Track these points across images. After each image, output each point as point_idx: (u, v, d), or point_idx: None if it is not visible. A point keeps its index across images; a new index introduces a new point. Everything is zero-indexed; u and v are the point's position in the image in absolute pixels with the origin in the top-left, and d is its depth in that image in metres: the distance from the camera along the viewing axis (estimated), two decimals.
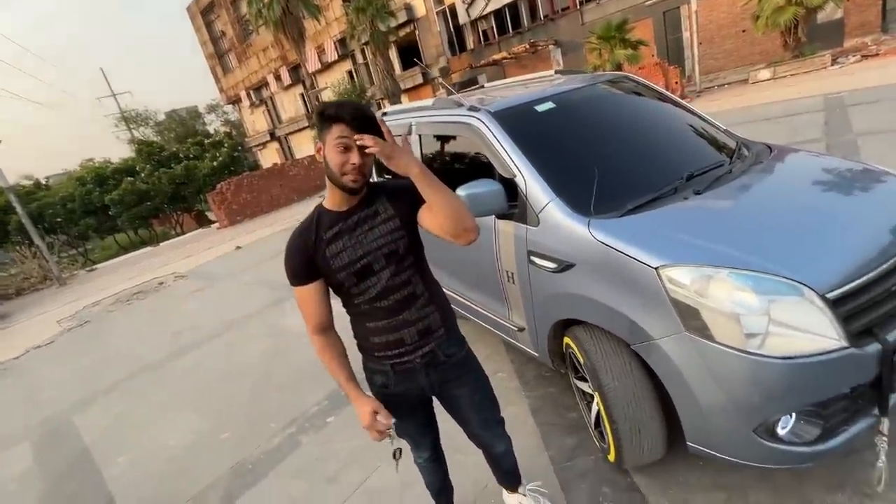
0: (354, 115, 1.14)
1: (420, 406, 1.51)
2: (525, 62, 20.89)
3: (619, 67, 14.75)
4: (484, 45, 22.01)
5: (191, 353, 4.54)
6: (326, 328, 1.32)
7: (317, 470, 2.39)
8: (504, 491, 1.83)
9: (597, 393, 1.72)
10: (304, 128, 30.01)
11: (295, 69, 26.91)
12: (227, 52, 32.83)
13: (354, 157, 1.15)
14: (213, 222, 17.44)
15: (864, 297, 1.36)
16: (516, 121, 2.11)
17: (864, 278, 1.35)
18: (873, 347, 1.31)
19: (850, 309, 1.33)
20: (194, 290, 7.34)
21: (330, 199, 1.27)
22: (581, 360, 1.78)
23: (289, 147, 32.74)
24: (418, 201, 1.24)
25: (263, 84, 31.05)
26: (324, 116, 1.17)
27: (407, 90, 24.35)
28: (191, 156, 21.24)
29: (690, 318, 1.40)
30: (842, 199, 1.78)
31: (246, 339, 4.50)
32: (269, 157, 33.98)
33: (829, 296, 1.31)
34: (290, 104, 31.03)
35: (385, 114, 3.50)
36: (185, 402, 3.54)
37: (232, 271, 7.88)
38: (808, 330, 1.30)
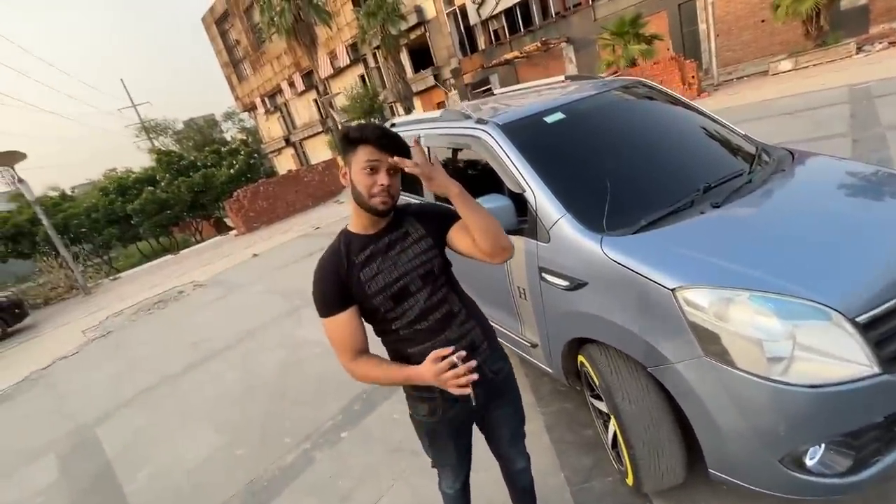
0: (380, 137, 1.13)
1: (464, 431, 1.44)
2: (537, 61, 20.71)
3: (633, 63, 14.50)
4: (495, 45, 21.89)
5: (208, 364, 4.60)
6: (363, 353, 1.23)
7: (330, 488, 2.38)
8: None
9: (612, 415, 1.66)
10: (318, 133, 30.34)
11: (308, 75, 27.22)
12: (242, 60, 33.42)
13: (383, 178, 1.14)
14: (231, 229, 17.74)
15: None
16: (525, 133, 2.06)
17: None
18: None
19: (882, 332, 1.25)
20: (212, 299, 7.46)
21: (356, 222, 1.25)
22: (596, 380, 1.73)
23: (303, 152, 33.15)
24: (447, 222, 1.26)
25: (278, 91, 31.52)
26: (348, 140, 1.16)
27: (419, 93, 24.40)
28: (208, 164, 21.65)
29: (709, 342, 1.34)
30: (869, 210, 1.68)
31: (261, 350, 4.54)
32: (284, 163, 34.48)
33: (858, 319, 1.23)
34: (304, 110, 31.43)
35: (393, 125, 3.48)
36: (201, 416, 3.59)
37: (249, 279, 7.98)
38: (836, 356, 1.23)
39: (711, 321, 1.33)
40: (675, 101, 2.45)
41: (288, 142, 33.81)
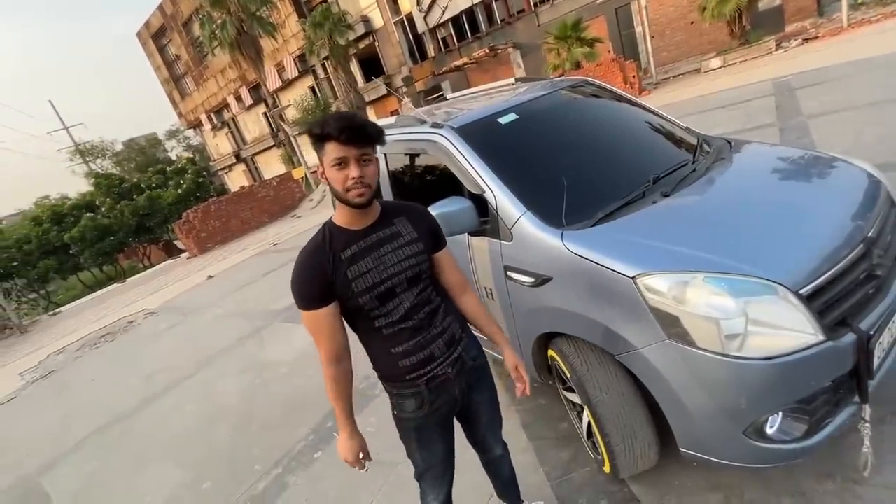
0: (342, 129, 1.09)
1: (448, 424, 1.43)
2: (487, 66, 21.12)
3: (577, 66, 15.06)
4: (445, 52, 22.17)
5: (165, 397, 4.32)
6: (342, 356, 1.24)
7: None
8: None
9: (586, 405, 1.69)
10: (270, 147, 29.55)
11: (255, 88, 26.50)
12: (184, 75, 32.10)
13: (354, 171, 1.11)
14: (183, 252, 16.89)
15: (836, 289, 1.37)
16: (480, 135, 2.08)
17: (834, 270, 1.37)
18: (849, 338, 1.33)
19: (823, 302, 1.34)
20: (166, 327, 7.05)
21: (340, 216, 1.22)
22: (567, 373, 1.75)
23: (256, 167, 32.16)
24: (439, 243, 1.33)
25: (224, 106, 30.45)
26: (314, 137, 1.13)
27: (372, 102, 24.27)
28: (153, 185, 20.58)
29: (671, 325, 1.39)
30: (802, 190, 1.81)
31: (223, 376, 4.33)
32: (236, 179, 33.28)
33: (802, 292, 1.31)
34: (254, 124, 30.54)
35: None
36: (161, 453, 3.36)
37: (205, 303, 7.61)
38: (786, 328, 1.30)
39: (671, 305, 1.38)
40: (620, 98, 2.55)
41: (239, 157, 32.69)
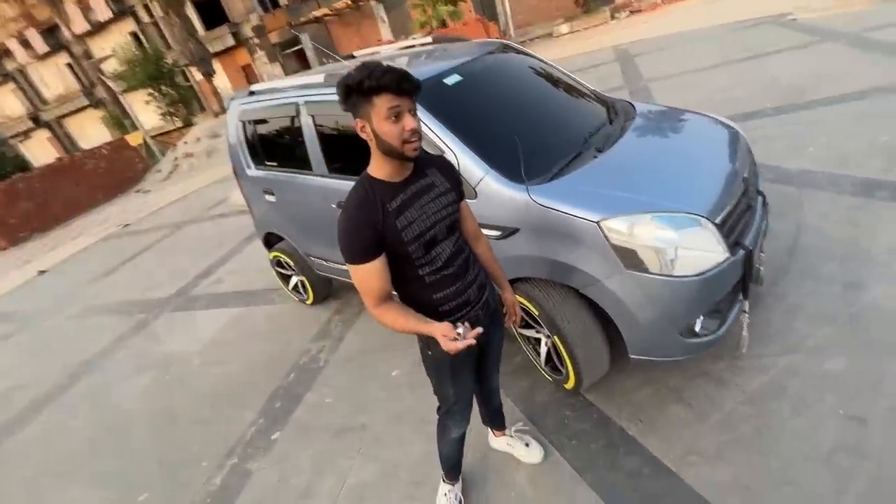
0: (399, 82, 1.08)
1: (474, 360, 1.56)
2: (349, 20, 19.94)
3: (444, 24, 15.16)
4: (301, 1, 20.18)
5: (34, 417, 3.57)
6: (389, 297, 1.26)
7: (283, 491, 2.23)
8: (490, 434, 2.04)
9: (555, 336, 1.96)
10: (85, 107, 24.05)
11: (51, 31, 20.94)
12: None
13: (410, 123, 1.11)
14: None
15: (732, 218, 1.82)
16: (431, 96, 2.11)
17: (731, 204, 1.82)
18: (740, 253, 1.79)
19: (726, 228, 1.78)
20: None
21: (379, 169, 1.22)
22: (536, 313, 2.00)
23: (66, 134, 26.00)
24: (462, 193, 1.39)
25: (3, 53, 23.51)
26: (362, 91, 1.08)
27: (218, 54, 21.20)
28: None
29: (629, 258, 1.70)
30: (696, 142, 2.27)
31: (114, 380, 3.72)
32: (38, 149, 26.47)
33: (716, 221, 1.72)
34: (55, 78, 24.37)
35: (252, 93, 3.08)
36: (60, 477, 2.84)
37: (47, 304, 6.21)
38: (707, 249, 1.71)
39: (629, 241, 1.68)
40: (541, 62, 2.78)
41: (38, 122, 25.94)
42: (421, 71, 2.29)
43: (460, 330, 1.15)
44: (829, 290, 2.31)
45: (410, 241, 1.22)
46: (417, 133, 1.14)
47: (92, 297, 5.88)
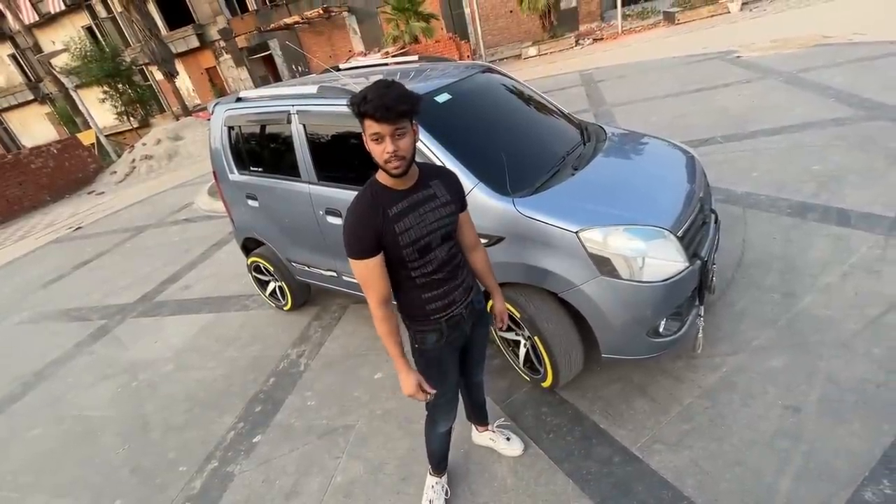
0: (376, 108, 1.17)
1: (457, 357, 1.69)
2: (321, 29, 19.93)
3: (416, 40, 15.48)
4: (271, 7, 20.02)
5: None
6: (389, 299, 1.40)
7: (268, 492, 2.25)
8: (474, 430, 2.17)
9: (535, 337, 2.13)
10: (29, 101, 22.60)
11: None
12: None
13: (388, 147, 1.22)
14: None
15: (690, 232, 2.07)
16: (424, 113, 2.23)
17: (690, 219, 2.06)
18: (698, 263, 2.03)
19: (686, 241, 2.02)
20: None
21: (384, 177, 1.34)
22: (518, 315, 2.16)
23: (6, 129, 24.28)
24: (463, 205, 1.52)
25: None
26: (355, 112, 1.22)
27: (181, 54, 20.58)
28: None
29: (603, 265, 1.90)
30: (660, 164, 2.52)
31: (75, 388, 3.57)
32: None
33: (678, 234, 1.96)
34: None
35: (240, 99, 3.12)
36: (18, 489, 2.71)
37: None
38: (671, 259, 1.93)
39: (604, 250, 1.88)
40: (519, 84, 3.00)
41: None
42: (414, 88, 2.43)
43: (425, 388, 1.46)
44: (769, 298, 2.61)
45: (406, 245, 1.36)
46: (395, 155, 1.24)
47: (44, 302, 5.56)
